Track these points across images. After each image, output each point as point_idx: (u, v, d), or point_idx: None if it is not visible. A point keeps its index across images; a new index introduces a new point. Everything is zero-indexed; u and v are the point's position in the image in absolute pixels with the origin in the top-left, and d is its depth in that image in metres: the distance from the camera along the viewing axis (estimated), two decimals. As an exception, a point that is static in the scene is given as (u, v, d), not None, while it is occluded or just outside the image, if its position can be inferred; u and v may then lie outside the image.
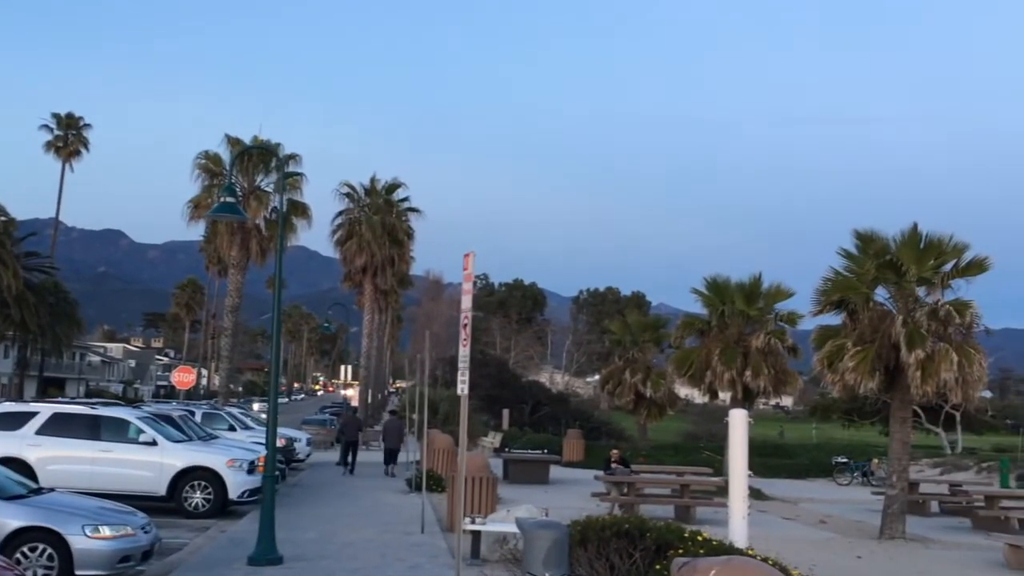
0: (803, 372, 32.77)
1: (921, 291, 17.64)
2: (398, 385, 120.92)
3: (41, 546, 9.97)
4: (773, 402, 65.41)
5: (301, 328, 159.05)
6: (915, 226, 17.40)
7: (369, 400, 55.95)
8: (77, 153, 71.10)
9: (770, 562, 8.03)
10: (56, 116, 71.17)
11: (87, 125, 72.12)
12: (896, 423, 18.05)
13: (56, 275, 69.33)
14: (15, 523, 9.94)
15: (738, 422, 10.44)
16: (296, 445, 28.96)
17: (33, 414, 17.19)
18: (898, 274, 17.34)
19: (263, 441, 19.44)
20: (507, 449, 33.14)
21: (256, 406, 52.98)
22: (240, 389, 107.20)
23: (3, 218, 59.79)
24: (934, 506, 23.28)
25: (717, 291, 28.37)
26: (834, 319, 18.41)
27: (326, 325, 61.68)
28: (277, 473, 15.49)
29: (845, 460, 34.56)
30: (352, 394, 58.00)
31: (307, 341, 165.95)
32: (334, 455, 34.71)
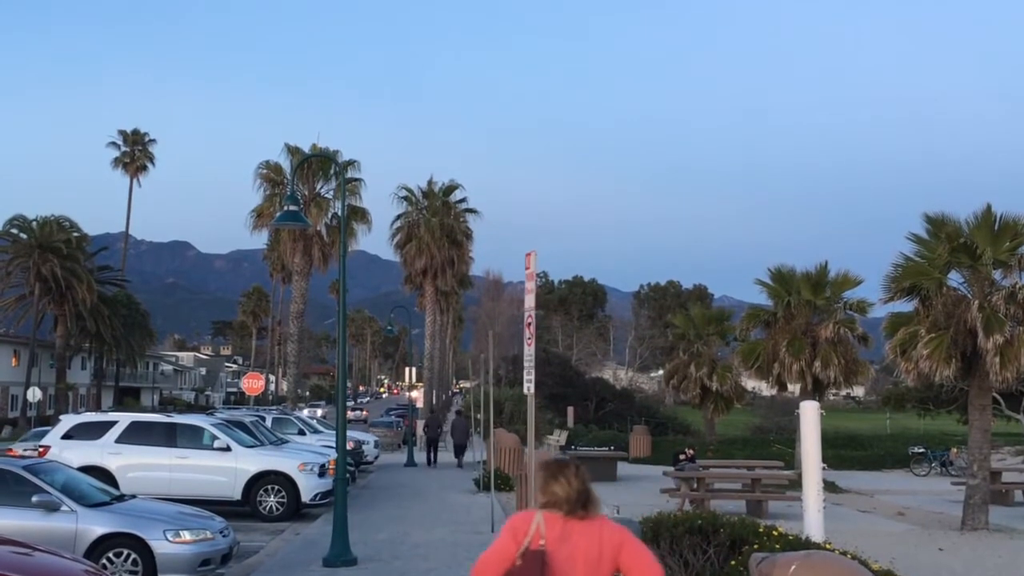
0: (874, 361, 32.02)
1: (997, 274, 17.07)
2: (461, 385, 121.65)
3: (126, 551, 10.25)
4: (844, 392, 63.97)
5: (364, 331, 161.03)
6: (988, 207, 16.84)
7: (433, 401, 56.38)
8: (144, 168, 73.17)
9: (849, 556, 7.86)
10: (123, 133, 73.34)
11: (152, 140, 74.20)
12: (975, 411, 17.51)
13: (127, 287, 71.46)
14: (100, 529, 10.24)
15: (810, 414, 10.25)
16: (364, 448, 29.33)
17: (112, 423, 17.69)
18: (972, 257, 16.80)
19: (332, 444, 19.75)
20: (573, 447, 33.09)
21: (306, 411, 49.41)
22: (307, 394, 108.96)
23: (76, 234, 61.82)
24: (1018, 495, 22.56)
25: (782, 281, 27.87)
26: (906, 306, 17.91)
27: (389, 328, 62.14)
28: (347, 475, 15.70)
29: (922, 450, 33.68)
30: (417, 395, 58.41)
31: (371, 344, 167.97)
32: (401, 457, 35.06)
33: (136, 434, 17.43)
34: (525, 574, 4.05)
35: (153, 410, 48.44)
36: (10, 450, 18.18)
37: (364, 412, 71.70)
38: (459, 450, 32.64)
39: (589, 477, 4.31)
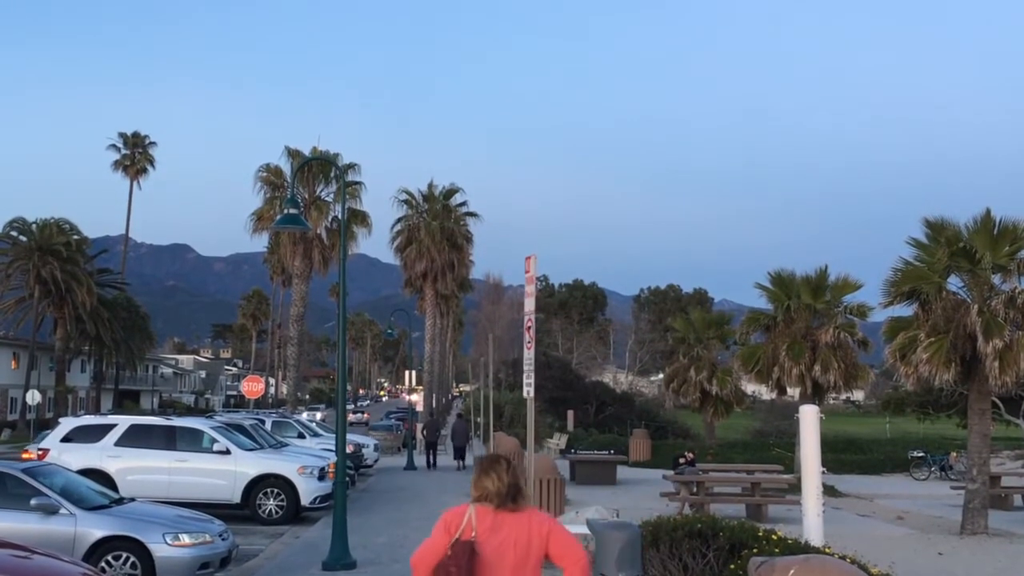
0: (874, 365, 31.99)
1: (996, 279, 17.08)
2: (461, 389, 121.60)
3: (125, 554, 10.25)
4: (843, 397, 63.93)
5: (364, 335, 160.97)
6: (988, 212, 16.84)
7: (433, 404, 56.33)
8: (144, 170, 73.14)
9: (848, 560, 7.86)
10: (123, 135, 73.32)
11: (152, 143, 74.19)
12: (974, 415, 17.51)
13: (127, 290, 71.45)
14: (99, 532, 10.24)
15: (809, 418, 10.24)
16: (364, 451, 29.33)
17: (111, 426, 17.68)
18: (972, 262, 16.80)
19: (332, 448, 19.73)
20: (573, 450, 33.09)
21: (304, 415, 44.97)
22: (307, 397, 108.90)
23: (76, 237, 61.85)
24: (1017, 500, 22.58)
25: (782, 285, 27.86)
26: (905, 310, 17.90)
27: (389, 331, 62.15)
28: (347, 479, 15.67)
29: (922, 454, 33.69)
30: (417, 399, 58.39)
31: (371, 347, 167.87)
32: (401, 460, 35.07)
33: (135, 437, 17.41)
34: (454, 563, 4.40)
35: (152, 413, 48.45)
36: (26, 451, 18.22)
37: (366, 415, 72.74)
38: (459, 452, 33.32)
39: (519, 473, 4.68)
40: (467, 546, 4.42)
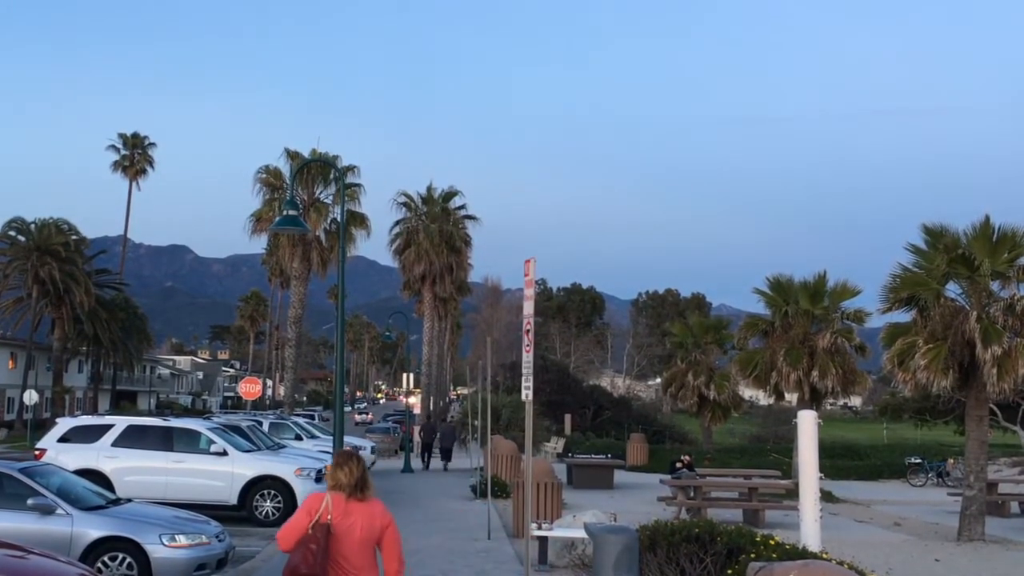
0: (872, 371, 32.01)
1: (995, 285, 17.11)
2: (459, 392, 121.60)
3: (121, 555, 10.24)
4: (841, 402, 63.95)
5: (362, 337, 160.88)
6: (987, 218, 16.88)
7: (431, 407, 56.29)
8: (143, 171, 73.09)
9: (846, 565, 7.87)
10: (122, 136, 73.27)
11: (152, 144, 74.14)
12: (972, 422, 17.52)
13: (126, 291, 71.40)
14: (96, 533, 10.23)
15: (807, 423, 10.24)
16: (361, 453, 29.38)
17: (109, 427, 17.66)
18: (970, 268, 16.83)
19: (329, 450, 19.73)
20: (570, 454, 33.09)
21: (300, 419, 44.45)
22: (304, 399, 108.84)
23: (75, 237, 61.83)
24: (1014, 507, 22.58)
25: (780, 291, 27.86)
26: (904, 316, 17.95)
27: (387, 334, 62.20)
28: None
29: (919, 460, 33.67)
30: (414, 402, 58.41)
31: (368, 350, 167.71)
32: (398, 463, 35.09)
33: (132, 438, 17.40)
34: (313, 541, 5.43)
35: (150, 414, 48.45)
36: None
37: (369, 416, 74.47)
38: (445, 453, 34.76)
39: (366, 466, 5.75)
40: (324, 527, 5.44)
